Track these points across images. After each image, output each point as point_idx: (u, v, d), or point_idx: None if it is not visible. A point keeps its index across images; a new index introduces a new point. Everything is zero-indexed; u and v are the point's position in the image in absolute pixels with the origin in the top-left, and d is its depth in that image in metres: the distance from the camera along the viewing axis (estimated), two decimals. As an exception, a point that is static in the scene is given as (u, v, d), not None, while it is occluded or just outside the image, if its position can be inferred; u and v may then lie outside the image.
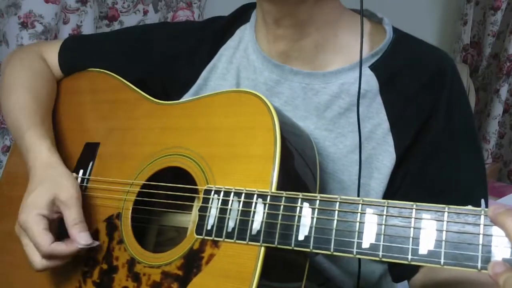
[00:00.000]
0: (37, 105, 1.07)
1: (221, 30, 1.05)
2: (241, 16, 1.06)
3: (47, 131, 1.03)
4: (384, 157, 0.90)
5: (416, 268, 0.89)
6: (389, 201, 0.69)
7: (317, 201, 0.73)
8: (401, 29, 0.98)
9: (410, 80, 0.91)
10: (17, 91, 1.08)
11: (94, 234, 0.93)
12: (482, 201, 0.89)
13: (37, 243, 0.88)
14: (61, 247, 0.88)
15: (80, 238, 0.88)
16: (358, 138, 0.89)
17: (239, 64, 1.01)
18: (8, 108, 1.08)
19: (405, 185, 0.90)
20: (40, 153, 0.97)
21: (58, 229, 0.92)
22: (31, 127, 1.01)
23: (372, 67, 0.92)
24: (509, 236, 0.61)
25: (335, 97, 0.93)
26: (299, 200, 0.74)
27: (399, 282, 0.96)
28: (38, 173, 0.95)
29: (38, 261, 0.89)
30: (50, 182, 0.93)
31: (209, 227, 0.80)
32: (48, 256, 0.88)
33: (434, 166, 0.90)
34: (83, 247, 0.88)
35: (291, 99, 0.95)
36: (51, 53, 1.16)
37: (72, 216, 0.90)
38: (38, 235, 0.88)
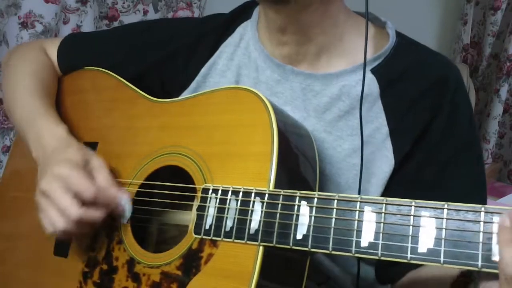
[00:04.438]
0: (47, 93, 1.06)
1: (221, 27, 1.05)
2: (242, 13, 1.05)
3: (60, 119, 1.02)
4: (382, 162, 0.90)
5: (402, 272, 0.89)
6: (388, 198, 0.69)
7: (315, 199, 0.73)
8: (401, 30, 0.97)
9: (412, 85, 0.91)
10: (26, 79, 1.07)
11: (94, 235, 0.93)
12: None
13: (82, 189, 0.84)
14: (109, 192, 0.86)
15: (122, 191, 0.88)
16: (356, 142, 0.89)
17: (240, 62, 1.01)
18: (17, 94, 1.06)
19: (402, 190, 0.89)
20: (59, 132, 0.96)
21: None
22: (45, 113, 1.00)
23: (374, 71, 0.92)
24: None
25: (335, 99, 0.92)
26: (297, 198, 0.74)
27: (384, 284, 0.95)
28: (61, 142, 0.93)
29: (75, 210, 0.83)
30: (79, 147, 0.92)
31: (207, 227, 0.79)
32: (91, 202, 0.85)
33: (432, 171, 0.90)
34: (121, 200, 0.87)
35: (291, 100, 0.95)
36: (52, 51, 1.16)
37: (107, 178, 0.88)
38: (81, 178, 0.85)
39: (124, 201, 0.88)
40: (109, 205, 0.87)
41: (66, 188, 0.84)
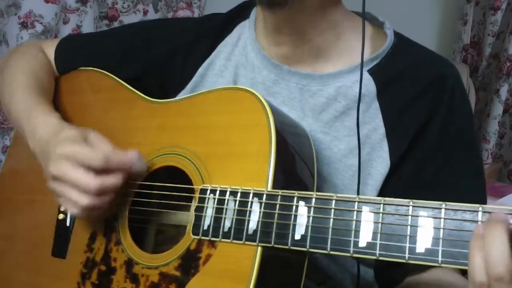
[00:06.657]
0: (42, 90, 1.05)
1: (219, 26, 1.05)
2: (240, 13, 1.05)
3: (53, 108, 1.01)
4: (378, 163, 0.90)
5: (401, 277, 0.89)
6: (386, 198, 0.69)
7: (313, 200, 0.73)
8: (401, 30, 0.97)
9: (409, 85, 0.91)
10: (22, 76, 1.07)
11: (92, 236, 0.93)
12: None
13: (91, 158, 0.83)
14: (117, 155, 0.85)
15: (130, 153, 0.86)
16: (353, 142, 0.89)
17: (237, 62, 1.01)
18: (13, 91, 1.05)
19: (400, 190, 0.89)
20: (52, 119, 0.95)
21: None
22: (38, 105, 0.99)
23: (371, 71, 0.92)
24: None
25: (331, 100, 0.92)
26: (295, 198, 0.74)
27: None
28: (55, 127, 0.92)
29: (92, 182, 0.82)
30: (73, 127, 0.92)
31: (205, 227, 0.79)
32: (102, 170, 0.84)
33: (430, 170, 0.90)
34: (133, 160, 0.86)
35: (288, 100, 0.95)
36: (50, 51, 1.16)
37: (109, 146, 0.87)
38: (86, 150, 0.84)
39: (135, 158, 0.86)
40: (122, 167, 0.85)
41: (75, 164, 0.83)
